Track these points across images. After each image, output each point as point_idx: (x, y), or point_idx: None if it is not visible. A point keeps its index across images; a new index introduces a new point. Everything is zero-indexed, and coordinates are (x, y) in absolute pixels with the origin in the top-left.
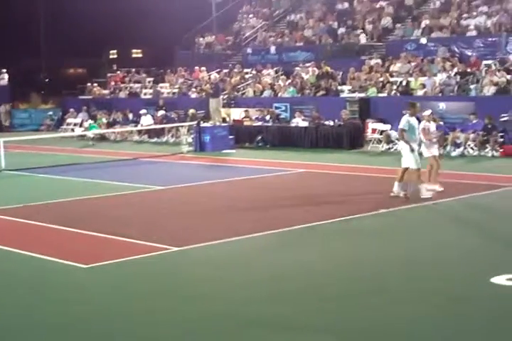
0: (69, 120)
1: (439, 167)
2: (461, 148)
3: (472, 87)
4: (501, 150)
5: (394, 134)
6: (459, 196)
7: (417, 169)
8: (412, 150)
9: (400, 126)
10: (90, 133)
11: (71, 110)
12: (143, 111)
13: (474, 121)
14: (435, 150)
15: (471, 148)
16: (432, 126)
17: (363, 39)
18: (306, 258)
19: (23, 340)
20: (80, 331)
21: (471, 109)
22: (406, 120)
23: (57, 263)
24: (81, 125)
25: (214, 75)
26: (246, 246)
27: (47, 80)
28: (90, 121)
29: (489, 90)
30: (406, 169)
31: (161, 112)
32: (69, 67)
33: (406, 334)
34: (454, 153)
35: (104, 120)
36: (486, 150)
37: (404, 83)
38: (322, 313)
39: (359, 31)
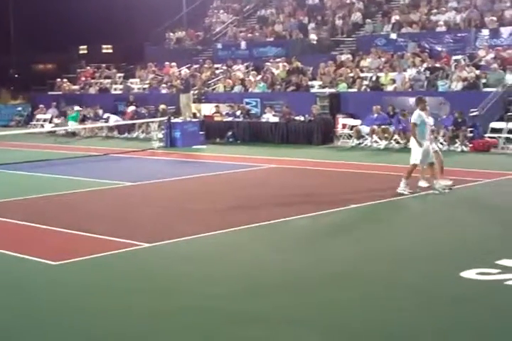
0: (38, 116)
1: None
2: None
3: (441, 82)
4: (470, 145)
5: (364, 129)
6: (427, 191)
7: (430, 163)
8: (421, 145)
9: (412, 121)
10: (70, 125)
11: (41, 106)
12: (106, 115)
13: (444, 117)
14: (434, 145)
15: (441, 143)
16: (430, 121)
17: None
18: (279, 253)
19: None
20: (52, 329)
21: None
22: (418, 114)
23: (26, 260)
24: (51, 121)
25: (184, 71)
26: (217, 241)
27: (16, 76)
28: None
29: (457, 85)
30: (415, 166)
31: (132, 108)
32: (38, 62)
33: (382, 328)
34: None
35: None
36: (456, 145)
37: (374, 78)
38: (300, 308)
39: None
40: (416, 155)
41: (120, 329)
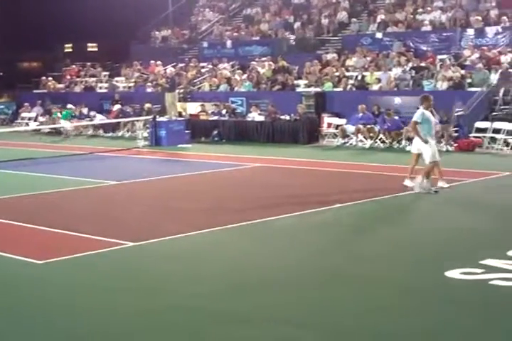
0: (23, 114)
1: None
2: None
3: (427, 81)
4: (455, 144)
5: (350, 129)
6: (410, 191)
7: (432, 162)
8: (426, 142)
9: (414, 119)
10: (66, 124)
11: (26, 104)
12: (92, 113)
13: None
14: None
15: None
16: (435, 119)
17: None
18: (264, 252)
19: None
20: (37, 328)
21: None
22: (421, 112)
23: (11, 259)
24: (36, 119)
25: (170, 69)
26: (202, 240)
27: (1, 74)
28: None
29: (442, 85)
30: (432, 164)
31: (117, 106)
32: (23, 60)
33: (371, 327)
34: (408, 148)
35: (59, 114)
36: (441, 144)
37: (359, 77)
38: (282, 306)
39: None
40: (428, 153)
41: (105, 328)
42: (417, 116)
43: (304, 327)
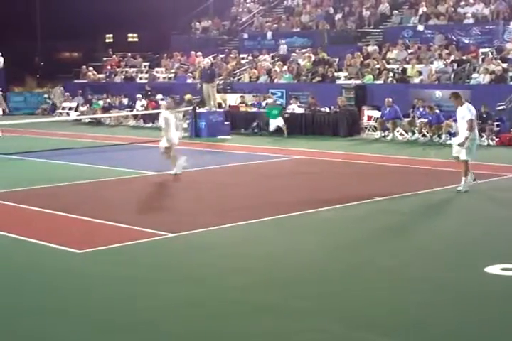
0: (64, 104)
1: None
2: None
3: (472, 75)
4: (497, 139)
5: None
6: (454, 185)
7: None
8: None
9: (471, 117)
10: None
11: (66, 94)
12: (139, 95)
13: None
14: None
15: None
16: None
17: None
18: (301, 245)
19: (15, 325)
20: (77, 317)
21: (467, 97)
22: (469, 109)
23: (51, 248)
24: (76, 109)
25: (207, 60)
26: (240, 232)
27: (42, 64)
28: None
29: (485, 78)
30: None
31: (159, 97)
32: (64, 50)
33: (406, 321)
34: (449, 142)
35: (101, 104)
36: (482, 139)
37: (400, 70)
38: (318, 299)
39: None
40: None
41: (145, 319)
42: (472, 113)
43: (337, 320)
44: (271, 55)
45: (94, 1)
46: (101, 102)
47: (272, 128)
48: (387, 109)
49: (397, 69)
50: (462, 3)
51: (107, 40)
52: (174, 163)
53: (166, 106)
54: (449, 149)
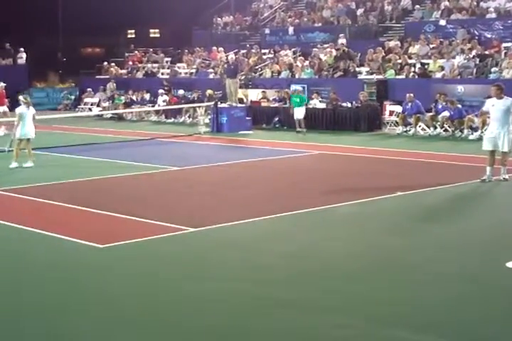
0: (86, 99)
1: None
2: (479, 132)
3: (491, 69)
4: None
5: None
6: (475, 180)
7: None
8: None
9: None
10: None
11: (88, 89)
12: (161, 90)
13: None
14: None
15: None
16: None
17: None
18: (323, 240)
19: (36, 320)
20: (97, 312)
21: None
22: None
23: (73, 243)
24: (98, 105)
25: (231, 56)
26: (263, 227)
27: (64, 59)
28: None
29: (509, 73)
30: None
31: (181, 92)
32: (87, 46)
33: (431, 317)
34: (471, 137)
35: (123, 99)
36: None
37: (422, 65)
38: (348, 294)
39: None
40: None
41: (168, 316)
42: None
43: (362, 316)
44: (292, 50)
45: None
46: (123, 98)
47: (296, 116)
48: (409, 104)
49: (419, 64)
50: None
51: (129, 36)
52: None
53: None
54: (471, 144)
